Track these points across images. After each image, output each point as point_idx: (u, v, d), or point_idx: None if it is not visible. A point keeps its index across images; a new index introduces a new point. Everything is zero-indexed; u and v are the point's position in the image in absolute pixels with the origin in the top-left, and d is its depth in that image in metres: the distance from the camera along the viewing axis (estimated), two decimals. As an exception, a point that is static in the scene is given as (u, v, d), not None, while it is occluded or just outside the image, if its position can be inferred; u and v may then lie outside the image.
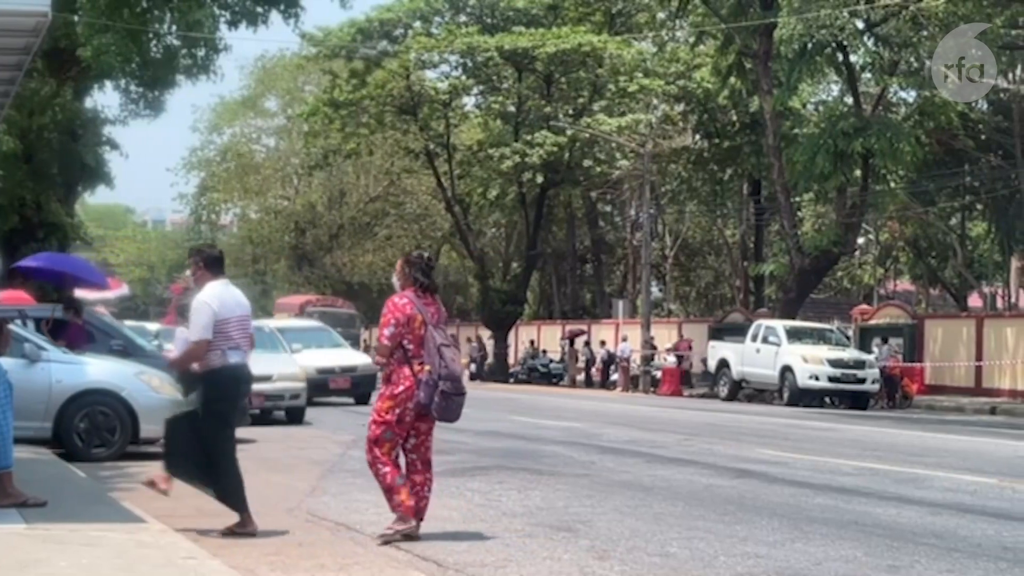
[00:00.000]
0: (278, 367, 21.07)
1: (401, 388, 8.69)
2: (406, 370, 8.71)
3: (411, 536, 8.66)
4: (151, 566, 6.86)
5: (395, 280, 9.01)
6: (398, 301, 8.80)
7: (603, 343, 47.78)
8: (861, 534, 9.33)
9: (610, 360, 45.66)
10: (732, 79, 41.86)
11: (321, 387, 25.65)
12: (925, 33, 35.15)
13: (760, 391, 34.84)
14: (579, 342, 49.75)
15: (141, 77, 31.21)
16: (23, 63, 10.16)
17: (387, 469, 8.85)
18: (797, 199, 45.82)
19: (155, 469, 9.68)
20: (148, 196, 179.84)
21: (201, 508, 10.11)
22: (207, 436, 9.06)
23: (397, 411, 8.73)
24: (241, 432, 17.08)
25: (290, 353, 23.81)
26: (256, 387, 18.71)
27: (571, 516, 10.10)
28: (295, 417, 21.39)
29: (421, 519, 8.84)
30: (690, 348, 43.46)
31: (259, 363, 20.04)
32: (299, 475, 13.11)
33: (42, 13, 8.77)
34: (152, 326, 40.46)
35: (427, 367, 8.67)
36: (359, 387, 26.66)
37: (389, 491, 8.82)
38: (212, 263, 9.35)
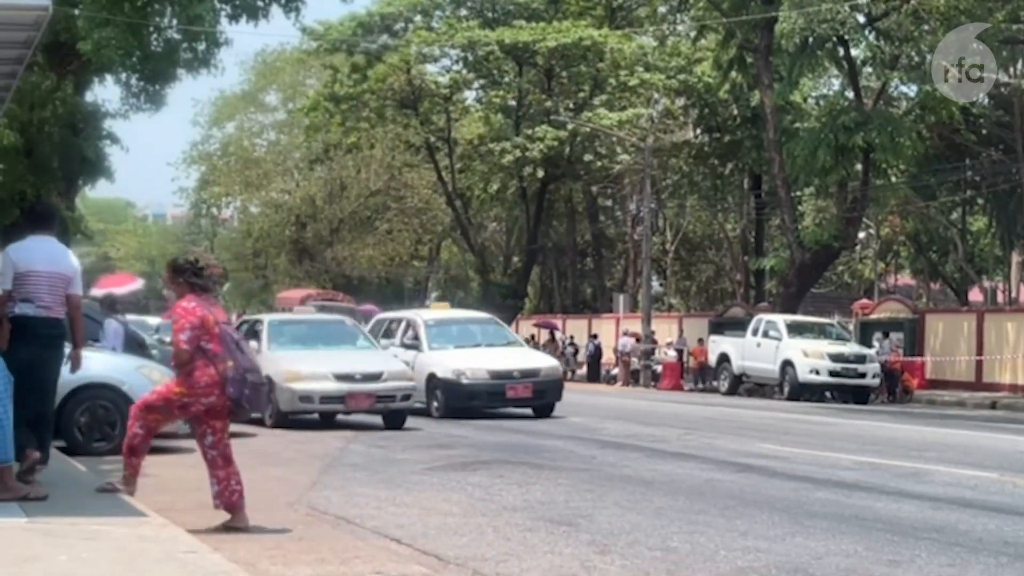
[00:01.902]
0: (387, 364, 19.50)
1: (203, 384, 8.82)
2: (211, 369, 8.84)
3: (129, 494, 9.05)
4: (152, 560, 6.86)
5: (166, 291, 9.35)
6: (187, 306, 8.97)
7: (594, 336, 47.70)
8: (862, 528, 9.33)
9: (598, 354, 45.69)
10: (733, 73, 41.84)
11: (496, 395, 21.44)
12: (926, 27, 35.13)
13: (760, 385, 34.83)
14: (556, 334, 49.81)
15: (142, 71, 31.18)
16: (24, 57, 10.15)
17: (141, 432, 9.04)
18: (798, 193, 45.81)
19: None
20: (149, 190, 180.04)
21: (202, 502, 10.12)
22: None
23: (187, 400, 8.86)
24: (242, 427, 17.15)
25: (383, 349, 21.57)
26: (364, 386, 18.42)
27: (572, 510, 10.10)
28: (395, 421, 19.01)
29: (240, 509, 9.01)
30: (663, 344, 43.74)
31: (364, 360, 19.24)
32: (299, 469, 13.11)
33: (43, 7, 8.75)
34: (153, 320, 40.44)
35: (230, 363, 8.82)
36: (543, 395, 21.82)
37: (130, 452, 9.08)
38: (31, 217, 9.68)
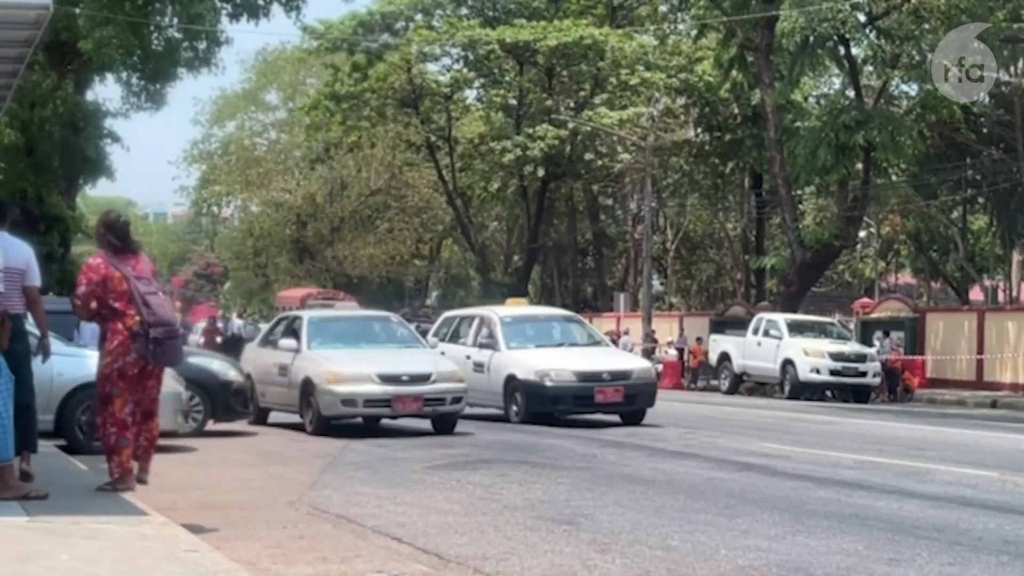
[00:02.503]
0: (436, 365, 17.95)
1: (116, 342, 9.11)
2: (119, 325, 9.12)
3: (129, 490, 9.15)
4: (153, 559, 6.86)
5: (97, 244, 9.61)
6: (92, 262, 9.34)
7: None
8: (862, 527, 9.33)
9: None
10: (734, 72, 41.84)
11: (583, 399, 19.55)
12: (927, 26, 35.13)
13: (761, 384, 34.83)
14: None
15: (142, 70, 31.21)
16: (24, 56, 10.15)
17: (113, 430, 9.20)
18: (798, 192, 45.81)
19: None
20: (149, 189, 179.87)
21: (203, 501, 10.12)
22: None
23: (116, 365, 9.11)
24: (241, 425, 17.17)
25: (431, 348, 20.00)
26: (411, 389, 17.14)
27: (573, 509, 10.11)
28: (445, 426, 17.69)
29: (142, 465, 9.31)
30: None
31: (411, 360, 17.89)
32: (300, 468, 13.11)
33: (43, 6, 8.76)
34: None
35: (137, 318, 9.07)
36: (633, 400, 19.65)
37: (111, 452, 9.23)
38: None
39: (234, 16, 31.03)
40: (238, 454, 14.31)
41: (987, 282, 58.46)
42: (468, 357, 20.40)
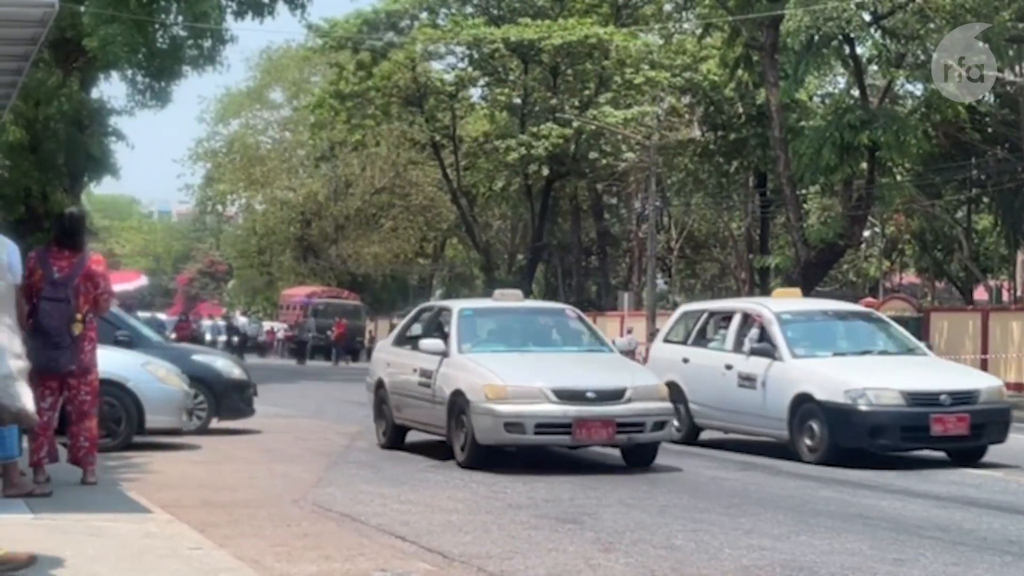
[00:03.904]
0: (631, 376, 13.47)
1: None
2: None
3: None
4: (157, 556, 6.87)
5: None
6: (31, 253, 9.43)
7: None
8: (866, 527, 9.33)
9: None
10: (739, 72, 41.81)
11: (915, 431, 13.83)
12: (932, 26, 35.07)
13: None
14: None
15: (147, 68, 31.27)
16: (30, 53, 10.15)
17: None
18: (803, 191, 45.75)
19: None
20: (154, 187, 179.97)
21: (208, 499, 10.13)
22: None
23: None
24: (246, 423, 17.17)
25: (616, 351, 15.19)
26: (600, 409, 12.67)
27: (576, 508, 10.11)
28: (642, 458, 13.34)
29: (87, 466, 9.54)
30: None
31: (597, 370, 13.45)
32: (304, 466, 13.11)
33: (49, 3, 8.76)
34: (161, 317, 40.45)
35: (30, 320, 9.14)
36: (981, 434, 14.09)
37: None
38: None
39: (239, 14, 31.10)
40: (242, 452, 14.31)
41: (991, 282, 58.38)
42: (729, 367, 15.30)
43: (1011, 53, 36.13)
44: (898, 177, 43.15)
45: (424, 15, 52.40)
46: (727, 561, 7.91)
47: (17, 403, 6.34)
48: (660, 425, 13.12)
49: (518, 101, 50.55)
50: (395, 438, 15.03)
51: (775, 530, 9.05)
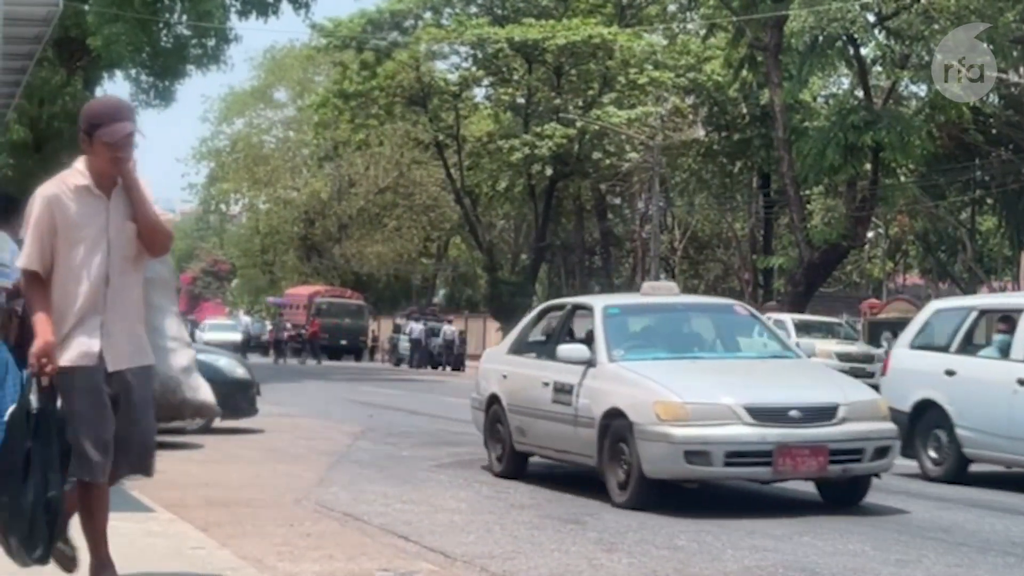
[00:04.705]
0: (840, 389, 10.59)
1: None
2: None
3: None
4: (159, 556, 6.88)
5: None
6: None
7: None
8: (869, 528, 9.32)
9: None
10: (743, 72, 41.82)
11: None
12: (936, 27, 35.06)
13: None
14: None
15: (151, 67, 31.30)
16: (34, 52, 10.20)
17: None
18: (807, 192, 45.74)
19: None
20: (158, 186, 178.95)
21: (210, 498, 10.14)
22: None
23: None
24: (249, 422, 17.17)
25: (803, 355, 12.19)
26: (807, 432, 9.95)
27: (579, 508, 10.11)
28: (854, 494, 10.55)
29: None
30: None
31: (796, 382, 10.84)
32: (307, 465, 13.11)
33: (53, 2, 8.79)
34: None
35: None
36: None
37: None
38: None
39: (243, 13, 31.10)
40: (245, 451, 14.31)
41: (995, 283, 58.35)
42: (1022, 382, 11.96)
43: (1015, 54, 36.10)
44: (902, 178, 43.13)
45: (428, 15, 52.43)
46: (730, 562, 7.91)
47: (199, 396, 6.26)
48: (882, 452, 10.23)
49: (522, 101, 50.56)
50: (514, 466, 12.25)
51: (777, 531, 9.04)
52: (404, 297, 73.05)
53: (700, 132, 51.75)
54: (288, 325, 58.87)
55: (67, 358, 5.47)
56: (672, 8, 52.47)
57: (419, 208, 66.56)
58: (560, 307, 13.38)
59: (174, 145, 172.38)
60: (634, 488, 10.11)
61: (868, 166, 38.15)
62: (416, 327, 55.36)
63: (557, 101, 48.77)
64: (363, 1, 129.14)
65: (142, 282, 5.76)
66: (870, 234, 51.42)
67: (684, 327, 12.19)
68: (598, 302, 12.15)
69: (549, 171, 48.44)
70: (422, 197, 65.89)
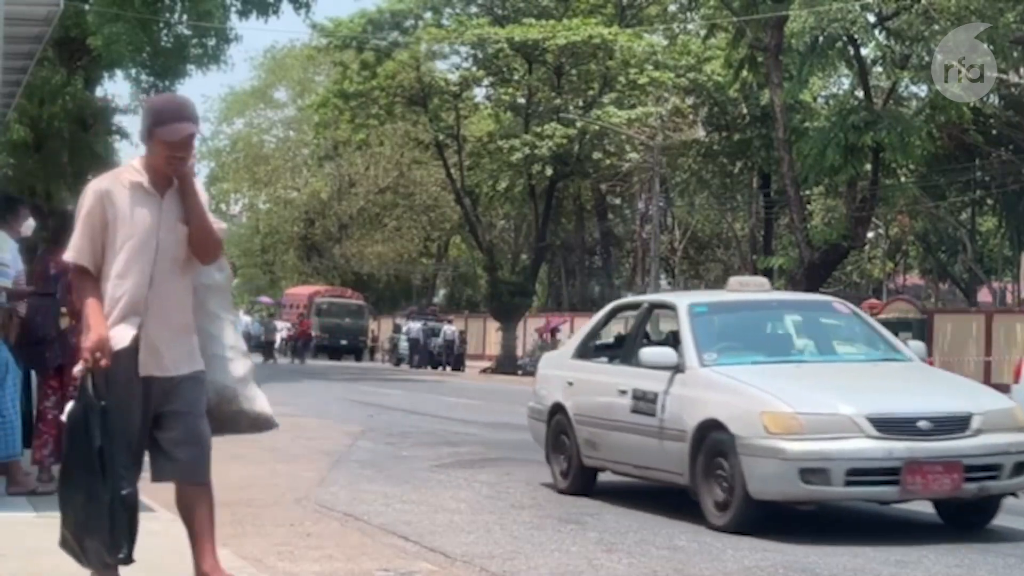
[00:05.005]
0: (972, 397, 9.58)
1: None
2: None
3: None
4: (160, 554, 6.87)
5: None
6: (39, 253, 9.77)
7: None
8: (869, 528, 9.32)
9: None
10: (744, 72, 41.83)
11: None
12: (937, 27, 35.05)
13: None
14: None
15: (151, 66, 31.31)
16: (34, 52, 10.19)
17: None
18: (807, 192, 45.75)
19: None
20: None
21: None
22: None
23: None
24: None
25: (916, 358, 10.63)
26: (939, 446, 8.87)
27: (579, 508, 10.11)
28: (978, 515, 9.55)
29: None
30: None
31: (919, 389, 9.76)
32: (308, 465, 13.11)
33: (54, 2, 8.79)
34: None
35: None
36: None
37: None
38: None
39: (243, 13, 31.10)
40: (245, 451, 14.29)
41: (995, 284, 58.38)
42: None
43: (1015, 55, 36.11)
44: (902, 178, 43.16)
45: (428, 15, 52.41)
46: (730, 562, 7.92)
47: (255, 407, 6.05)
48: (1021, 467, 9.11)
49: (522, 101, 50.55)
50: (582, 482, 11.10)
51: (777, 531, 9.03)
52: (404, 297, 73.11)
53: (700, 132, 51.77)
54: (278, 325, 58.82)
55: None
56: (672, 8, 52.47)
57: (419, 208, 66.60)
58: (634, 306, 12.11)
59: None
60: (737, 510, 9.00)
61: (868, 166, 38.15)
62: (414, 327, 55.40)
63: (557, 101, 48.77)
64: (363, 1, 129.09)
65: (190, 288, 5.55)
66: (870, 234, 51.43)
67: (779, 327, 11.05)
68: (682, 300, 10.98)
69: (549, 171, 48.43)
70: (422, 197, 65.95)
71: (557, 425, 11.48)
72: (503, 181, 52.57)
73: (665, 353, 10.11)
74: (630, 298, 14.71)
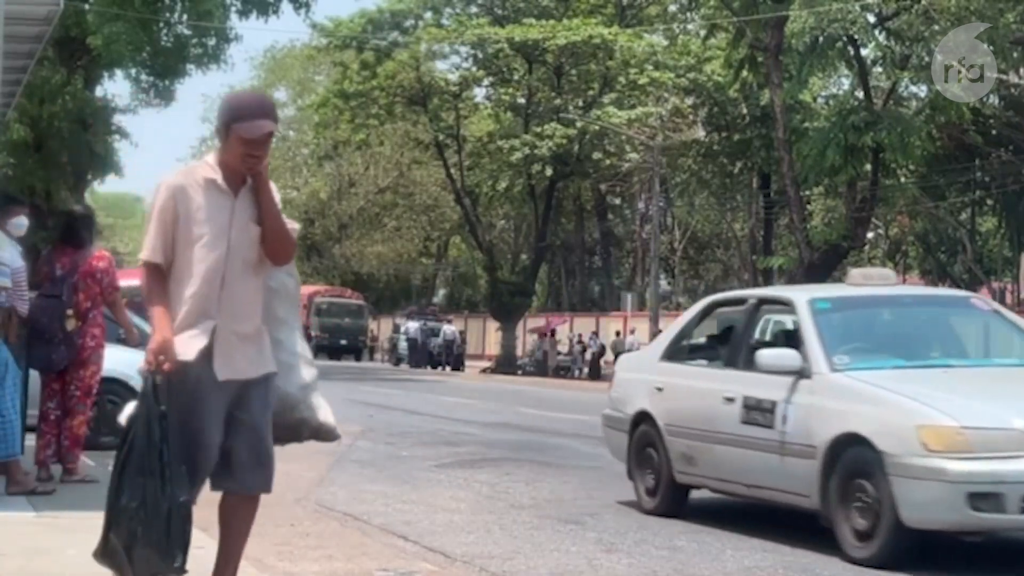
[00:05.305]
0: None
1: None
2: None
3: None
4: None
5: None
6: (43, 253, 9.93)
7: (595, 334, 48.09)
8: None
9: (602, 352, 46.16)
10: (744, 73, 41.83)
11: None
12: (937, 28, 35.06)
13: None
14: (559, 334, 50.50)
15: (151, 66, 31.32)
16: (35, 51, 10.19)
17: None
18: (807, 193, 45.75)
19: None
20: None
21: (209, 497, 10.12)
22: None
23: None
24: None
25: None
26: None
27: (579, 508, 10.11)
28: None
29: (65, 465, 9.71)
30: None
31: None
32: (307, 465, 13.10)
33: (54, 2, 8.79)
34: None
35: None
36: None
37: None
38: None
39: (243, 13, 31.10)
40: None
41: (995, 284, 58.36)
42: None
43: (1015, 55, 36.10)
44: (902, 179, 43.16)
45: (428, 15, 52.45)
46: (729, 562, 7.91)
47: (318, 416, 5.82)
48: None
49: (522, 101, 50.57)
50: (673, 501, 9.94)
51: (777, 531, 9.03)
52: (404, 297, 73.09)
53: (700, 132, 51.79)
54: None
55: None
56: (673, 8, 52.48)
57: (419, 208, 66.62)
58: (737, 301, 10.73)
59: (174, 145, 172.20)
60: (885, 540, 7.78)
61: (868, 167, 38.17)
62: (413, 326, 55.41)
63: (557, 101, 48.78)
64: (363, 1, 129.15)
65: (261, 290, 5.35)
66: (870, 235, 51.44)
67: (914, 325, 9.68)
68: (800, 294, 9.58)
69: (549, 171, 48.45)
70: (422, 197, 65.96)
71: (642, 437, 10.19)
72: (503, 181, 52.59)
73: (788, 356, 8.76)
74: (729, 293, 13.56)
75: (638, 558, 7.95)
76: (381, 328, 65.16)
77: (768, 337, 10.08)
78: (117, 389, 13.66)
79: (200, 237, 5.14)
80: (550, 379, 45.06)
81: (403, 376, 42.02)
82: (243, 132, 5.12)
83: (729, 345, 9.85)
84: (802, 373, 8.59)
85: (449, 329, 54.62)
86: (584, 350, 48.49)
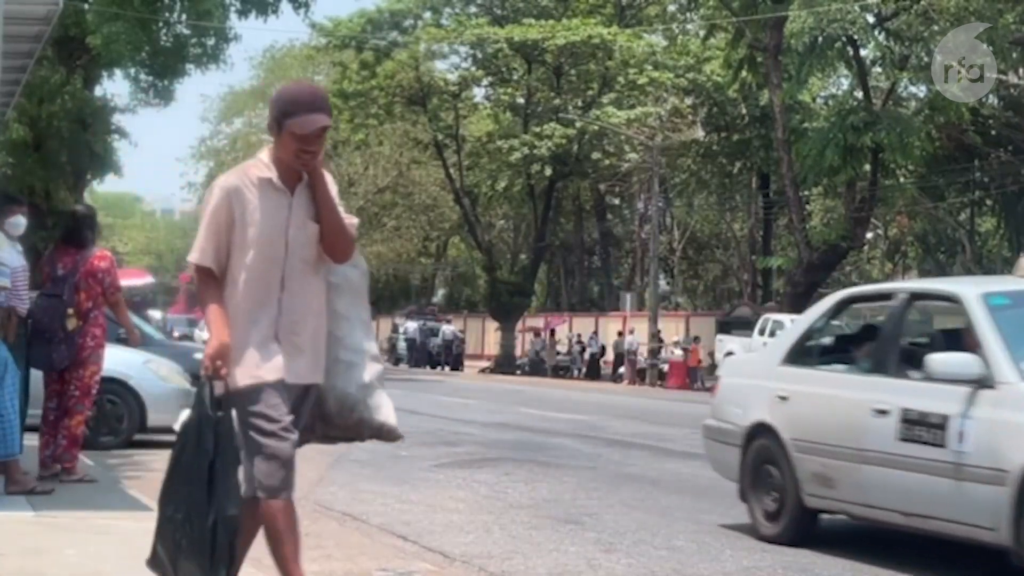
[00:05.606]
0: None
1: None
2: None
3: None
4: None
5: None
6: (45, 253, 9.98)
7: (595, 334, 48.09)
8: (869, 528, 9.32)
9: (601, 352, 46.22)
10: (743, 73, 41.87)
11: None
12: (936, 28, 35.10)
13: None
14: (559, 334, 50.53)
15: (151, 66, 31.27)
16: (34, 51, 10.18)
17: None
18: (806, 193, 45.79)
19: None
20: (157, 185, 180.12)
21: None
22: None
23: None
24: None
25: None
26: None
27: (578, 508, 10.11)
28: None
29: (64, 465, 9.79)
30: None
31: None
32: (307, 464, 13.02)
33: (53, 1, 8.78)
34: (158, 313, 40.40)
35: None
36: None
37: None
38: None
39: (243, 13, 31.05)
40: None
41: (994, 284, 58.40)
42: None
43: (1015, 56, 36.14)
44: (901, 179, 43.20)
45: (428, 15, 52.48)
46: (728, 563, 7.91)
47: (378, 416, 5.56)
48: None
49: (521, 101, 50.59)
50: (800, 527, 8.60)
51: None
52: (403, 297, 73.07)
53: (700, 132, 51.81)
54: None
55: (243, 375, 4.93)
56: (672, 8, 52.53)
57: (418, 208, 66.57)
58: (879, 296, 9.39)
59: (174, 145, 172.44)
60: None
61: (867, 167, 38.21)
62: (412, 326, 55.42)
63: (557, 101, 48.79)
64: (363, 1, 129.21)
65: (323, 289, 5.16)
66: (869, 235, 51.48)
67: None
68: (968, 288, 8.22)
69: (548, 171, 48.47)
70: (421, 197, 65.91)
71: (761, 452, 8.84)
72: (502, 181, 52.62)
73: (966, 362, 7.37)
74: (865, 287, 11.51)
75: (637, 558, 7.95)
76: (380, 328, 65.12)
77: (921, 338, 8.66)
78: (117, 389, 13.70)
79: (257, 239, 4.97)
80: (548, 379, 45.08)
81: (402, 376, 41.99)
82: (296, 128, 4.91)
83: (875, 347, 8.45)
84: (982, 382, 7.24)
85: (448, 329, 54.63)
86: (583, 350, 48.50)
